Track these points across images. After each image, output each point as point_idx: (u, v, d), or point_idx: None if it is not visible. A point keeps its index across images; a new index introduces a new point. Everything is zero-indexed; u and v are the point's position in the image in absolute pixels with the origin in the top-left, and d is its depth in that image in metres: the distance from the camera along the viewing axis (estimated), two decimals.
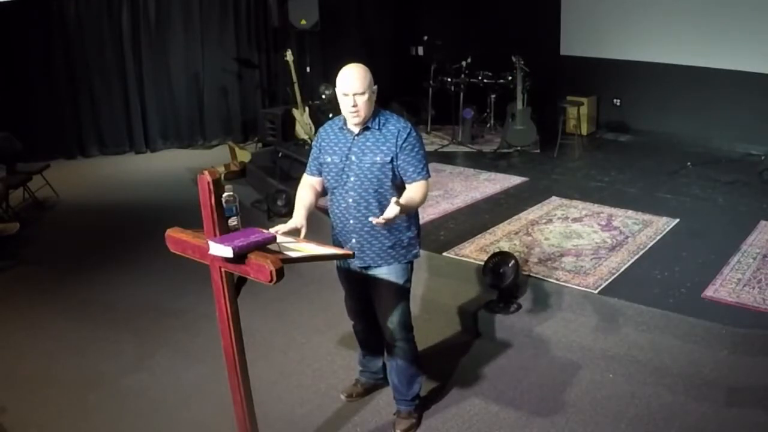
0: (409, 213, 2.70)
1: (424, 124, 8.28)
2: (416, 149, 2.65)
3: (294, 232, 2.55)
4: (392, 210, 2.45)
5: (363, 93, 2.56)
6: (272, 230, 2.45)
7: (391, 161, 2.63)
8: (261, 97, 9.18)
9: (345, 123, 2.71)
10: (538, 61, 7.48)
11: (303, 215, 2.68)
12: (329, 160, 2.72)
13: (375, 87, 2.63)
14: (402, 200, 2.53)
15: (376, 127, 2.65)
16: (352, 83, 2.56)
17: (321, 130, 2.82)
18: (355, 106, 2.58)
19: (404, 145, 2.62)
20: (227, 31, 8.82)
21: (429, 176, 2.70)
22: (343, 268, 2.90)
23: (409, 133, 2.65)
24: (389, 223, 2.52)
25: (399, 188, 2.70)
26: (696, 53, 7.19)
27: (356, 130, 2.68)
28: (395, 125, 2.66)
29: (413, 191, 2.64)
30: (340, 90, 2.60)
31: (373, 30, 9.53)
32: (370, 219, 2.56)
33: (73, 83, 8.00)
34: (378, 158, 2.63)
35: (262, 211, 5.66)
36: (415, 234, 2.83)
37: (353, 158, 2.66)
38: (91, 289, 4.58)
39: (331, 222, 2.82)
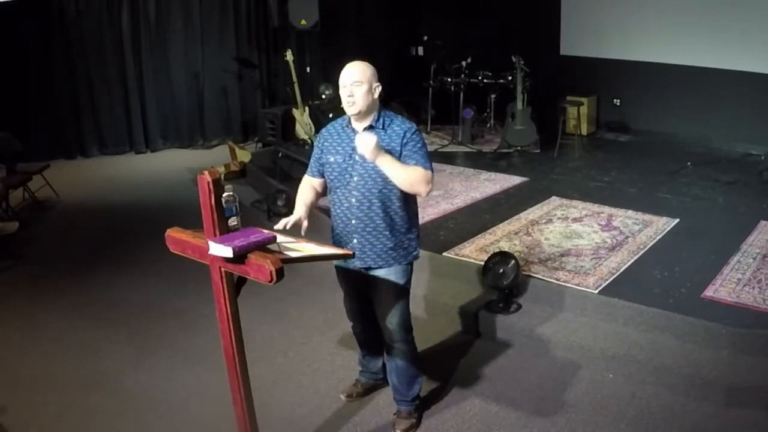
0: (393, 175, 2.55)
1: (424, 124, 8.28)
2: (419, 146, 2.64)
3: (295, 228, 2.55)
4: (371, 138, 2.46)
5: (360, 83, 2.56)
6: (277, 225, 2.47)
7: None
8: (261, 97, 9.17)
9: (349, 122, 2.71)
10: (538, 61, 7.48)
11: (304, 210, 2.70)
12: (332, 159, 2.71)
13: (378, 85, 2.62)
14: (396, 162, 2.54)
15: (381, 127, 2.64)
16: (349, 74, 2.59)
17: (323, 130, 2.81)
18: (351, 96, 2.58)
19: (408, 143, 2.62)
20: (227, 31, 8.81)
21: (432, 172, 2.65)
22: (342, 268, 2.89)
23: (414, 133, 2.65)
24: (367, 147, 2.47)
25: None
26: (696, 53, 7.19)
27: (360, 129, 2.67)
28: (401, 126, 2.65)
29: (411, 167, 2.58)
30: (339, 83, 2.62)
31: (373, 30, 9.53)
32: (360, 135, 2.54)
33: (73, 83, 7.99)
34: None
35: (262, 211, 5.66)
36: (415, 236, 2.83)
37: (357, 158, 2.64)
38: (91, 289, 4.58)
39: (332, 223, 2.81)
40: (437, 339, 3.75)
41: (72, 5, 7.80)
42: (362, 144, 2.49)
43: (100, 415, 3.14)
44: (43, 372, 3.53)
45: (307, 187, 2.83)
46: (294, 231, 2.54)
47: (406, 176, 2.56)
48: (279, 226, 2.48)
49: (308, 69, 8.15)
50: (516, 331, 3.68)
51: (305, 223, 2.65)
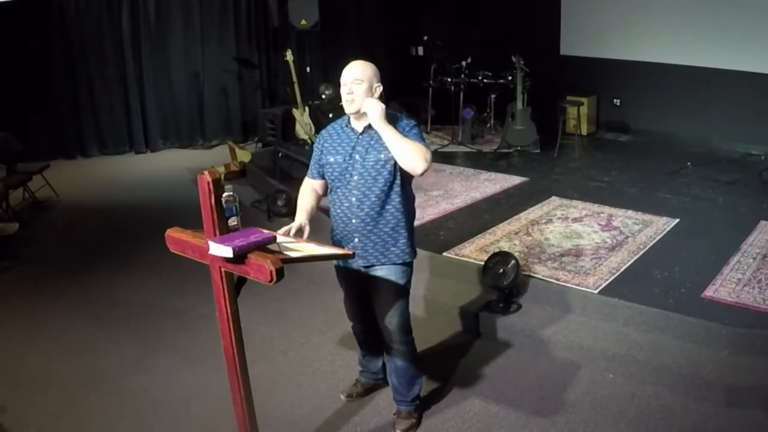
0: (393, 143, 2.55)
1: (424, 124, 8.28)
2: (415, 132, 2.64)
3: (298, 233, 2.57)
4: (378, 103, 2.52)
5: (360, 81, 2.58)
6: (280, 231, 2.47)
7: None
8: (261, 97, 9.18)
9: (348, 122, 2.71)
10: (538, 61, 7.48)
11: (305, 216, 2.71)
12: (332, 159, 2.71)
13: (379, 86, 2.63)
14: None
15: None
16: (350, 72, 2.61)
17: (323, 131, 2.82)
18: (350, 93, 2.59)
19: (407, 133, 2.62)
20: (227, 31, 8.82)
21: (429, 151, 2.61)
22: (342, 268, 2.89)
23: (414, 126, 2.67)
24: (375, 110, 2.54)
25: (403, 187, 2.70)
26: (696, 53, 7.19)
27: (360, 128, 2.67)
28: (399, 123, 2.65)
29: (411, 141, 2.58)
30: (341, 81, 2.63)
31: (373, 30, 9.53)
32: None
33: (73, 83, 8.00)
34: (382, 155, 2.62)
35: (262, 211, 5.66)
36: (412, 235, 2.83)
37: (357, 157, 2.65)
38: (91, 289, 4.58)
39: (332, 223, 2.81)
40: (437, 339, 3.75)
41: (72, 5, 7.80)
42: (370, 106, 2.54)
43: (100, 415, 3.14)
44: (43, 372, 3.53)
45: (308, 191, 2.83)
46: (296, 235, 2.55)
47: (406, 146, 2.55)
48: (281, 232, 2.49)
49: (308, 69, 8.15)
50: (516, 331, 3.68)
51: (307, 230, 2.65)
